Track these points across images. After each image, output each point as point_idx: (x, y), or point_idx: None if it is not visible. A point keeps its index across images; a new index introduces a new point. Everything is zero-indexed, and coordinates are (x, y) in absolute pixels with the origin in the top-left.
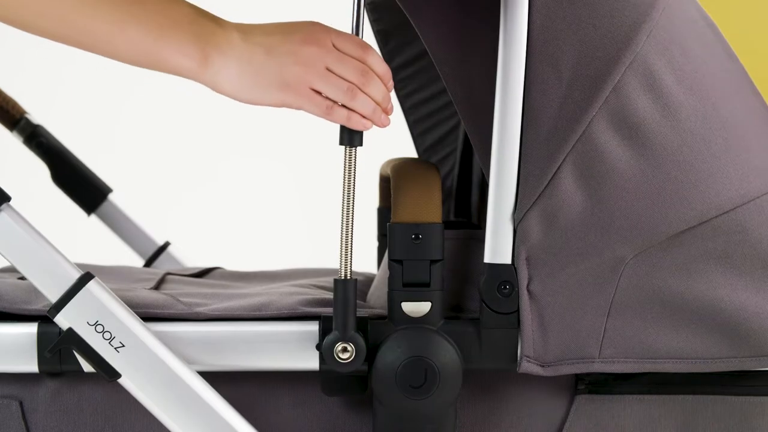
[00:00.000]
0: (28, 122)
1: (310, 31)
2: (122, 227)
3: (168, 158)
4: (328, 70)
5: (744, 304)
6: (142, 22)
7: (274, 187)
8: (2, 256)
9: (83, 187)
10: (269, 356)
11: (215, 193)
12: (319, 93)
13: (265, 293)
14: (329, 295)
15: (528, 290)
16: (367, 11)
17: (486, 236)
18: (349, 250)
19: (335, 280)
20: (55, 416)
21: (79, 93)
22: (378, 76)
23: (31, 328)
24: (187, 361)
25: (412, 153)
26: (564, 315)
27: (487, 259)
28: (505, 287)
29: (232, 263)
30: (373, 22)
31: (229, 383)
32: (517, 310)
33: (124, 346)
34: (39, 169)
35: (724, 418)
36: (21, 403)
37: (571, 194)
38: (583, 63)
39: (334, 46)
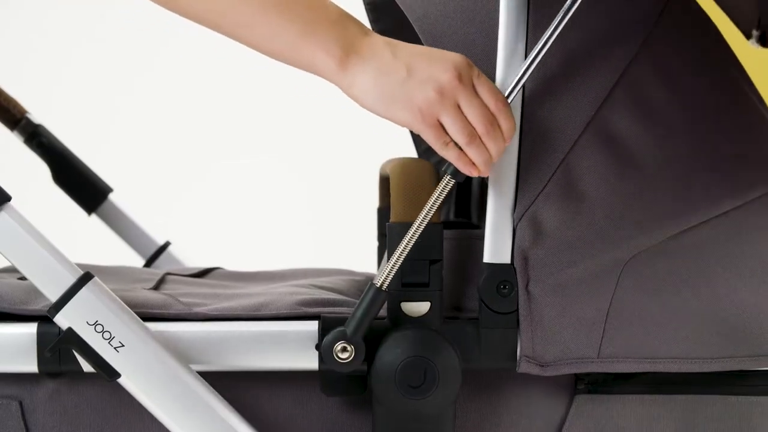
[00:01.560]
0: (29, 122)
1: (456, 63)
2: (123, 227)
3: (168, 158)
4: (459, 107)
5: (743, 304)
6: (288, 14)
7: (274, 187)
8: (2, 255)
9: (84, 187)
10: (269, 356)
11: (215, 193)
12: (442, 125)
13: (264, 293)
14: (329, 295)
15: (527, 290)
16: (366, 11)
17: (485, 236)
18: (397, 266)
19: (372, 284)
20: (55, 416)
21: (80, 93)
22: (502, 131)
23: (31, 329)
24: (187, 360)
25: (411, 153)
26: (563, 315)
27: (486, 258)
28: (504, 287)
29: (232, 263)
30: (373, 23)
31: (228, 383)
32: (517, 310)
33: (123, 345)
34: (40, 168)
35: (723, 417)
36: (21, 403)
37: (571, 194)
38: (582, 64)
39: (473, 86)
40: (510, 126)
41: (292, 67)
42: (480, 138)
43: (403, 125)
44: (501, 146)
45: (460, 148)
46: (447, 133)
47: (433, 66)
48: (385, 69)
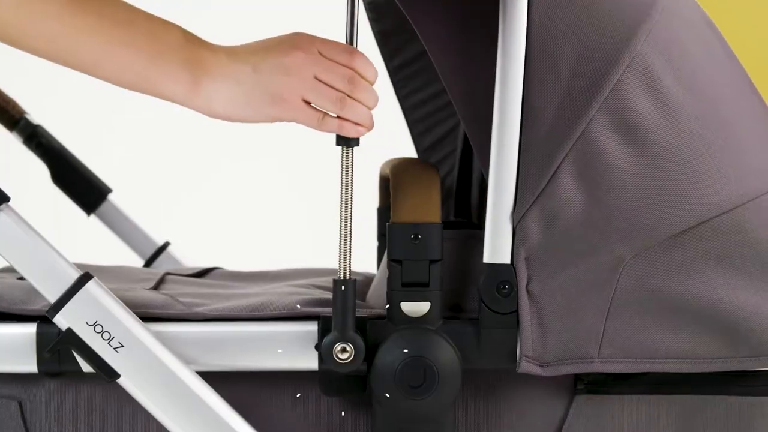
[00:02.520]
0: (28, 122)
1: (295, 41)
2: (122, 227)
3: (168, 158)
4: (317, 79)
5: (743, 305)
6: (132, 46)
7: (273, 187)
8: (1, 256)
9: (83, 188)
10: (268, 356)
11: (215, 194)
12: (309, 104)
13: (264, 293)
14: (328, 295)
15: (527, 290)
16: (366, 11)
17: (485, 236)
18: (348, 250)
19: (334, 281)
20: (54, 416)
21: (79, 93)
22: (367, 80)
23: (30, 329)
24: (186, 361)
25: (411, 153)
26: (563, 315)
27: (486, 259)
28: (504, 287)
29: (231, 263)
30: (373, 22)
31: (228, 383)
32: (517, 310)
33: (123, 346)
34: (39, 169)
35: (723, 418)
36: (20, 403)
37: (571, 194)
38: (583, 62)
39: (320, 53)
40: (372, 72)
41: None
42: (351, 97)
43: (275, 121)
44: (372, 93)
45: (338, 117)
46: (317, 110)
47: (273, 53)
48: (234, 77)
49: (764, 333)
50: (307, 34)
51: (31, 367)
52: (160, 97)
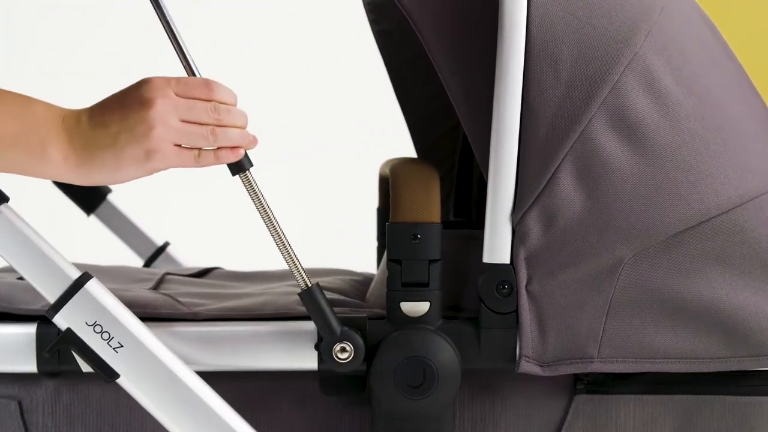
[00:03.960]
0: None
1: (150, 90)
2: (121, 228)
3: None
4: (183, 121)
5: (743, 304)
6: None
7: (273, 187)
8: (1, 256)
9: (82, 188)
10: (268, 356)
11: (214, 194)
12: (180, 146)
13: (263, 293)
14: (328, 295)
15: (527, 290)
16: (366, 12)
17: (485, 236)
18: (297, 261)
19: (300, 294)
20: (54, 416)
21: (78, 93)
22: (225, 102)
23: (30, 329)
24: (186, 361)
25: (411, 153)
26: (563, 315)
27: (485, 259)
28: (503, 287)
29: (231, 263)
30: (373, 23)
31: (227, 383)
32: (516, 310)
33: (122, 346)
34: None
35: (722, 417)
36: (20, 403)
37: (570, 194)
38: (582, 63)
39: (177, 95)
40: (229, 95)
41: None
42: (219, 126)
43: (158, 171)
44: (238, 114)
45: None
46: (191, 149)
47: (132, 110)
48: (101, 144)
49: (763, 333)
50: (158, 79)
51: (30, 367)
52: (33, 176)
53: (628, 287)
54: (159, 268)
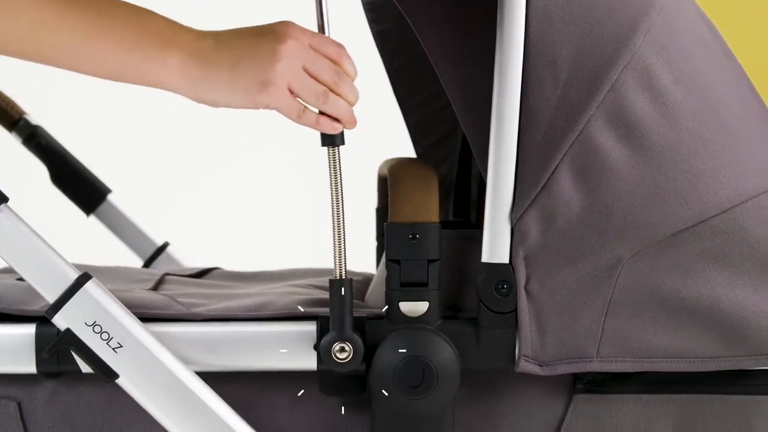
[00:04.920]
0: (27, 123)
1: (286, 29)
2: (121, 228)
3: (167, 159)
4: (305, 70)
5: (742, 304)
6: (113, 33)
7: (272, 187)
8: (0, 257)
9: (82, 188)
10: (267, 356)
11: (214, 194)
12: (293, 93)
13: (263, 293)
14: (327, 296)
15: (526, 290)
16: (366, 12)
17: (484, 236)
18: (343, 250)
19: (330, 281)
20: (53, 417)
21: (78, 93)
22: (350, 77)
23: (29, 329)
24: (185, 361)
25: (410, 153)
26: (562, 314)
27: (484, 258)
28: (502, 287)
29: (230, 264)
30: (372, 22)
31: (227, 383)
32: (515, 310)
33: (122, 346)
34: (38, 169)
35: (721, 417)
36: (19, 404)
37: (569, 194)
38: (580, 62)
39: (310, 45)
40: (354, 67)
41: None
42: (333, 91)
43: (260, 107)
44: (355, 90)
45: (319, 113)
46: (297, 102)
47: (265, 40)
48: (222, 62)
49: (762, 332)
50: (297, 24)
51: (30, 367)
52: (145, 84)
53: (627, 287)
54: (159, 268)
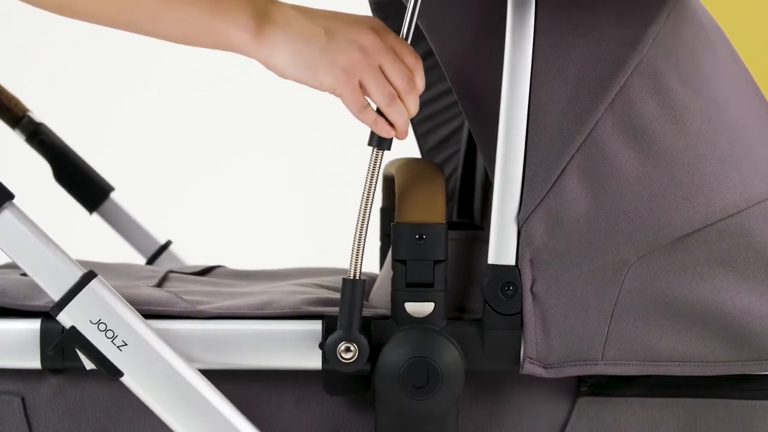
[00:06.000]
0: (31, 120)
1: (373, 25)
2: (124, 226)
3: (170, 157)
4: (380, 68)
5: (747, 308)
6: None
7: (276, 185)
8: (5, 253)
9: (85, 186)
10: (272, 355)
11: (217, 192)
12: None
13: (267, 292)
14: (332, 295)
15: (531, 292)
16: (372, 11)
17: (490, 237)
18: (361, 250)
19: (344, 279)
20: (57, 413)
21: (81, 91)
22: (417, 91)
23: (34, 325)
24: (190, 359)
25: (415, 153)
26: (567, 317)
27: (490, 260)
28: (508, 288)
29: (234, 262)
30: None
31: (231, 382)
32: (521, 312)
33: (126, 344)
34: (41, 167)
35: (726, 421)
36: (23, 399)
37: (576, 196)
38: (589, 65)
39: (391, 46)
40: (423, 80)
41: (208, 49)
42: (401, 97)
43: (325, 90)
44: (417, 102)
45: (378, 113)
46: (364, 97)
47: (352, 28)
48: (303, 35)
49: (767, 337)
50: (383, 24)
51: (34, 363)
52: (223, 47)
53: (632, 290)
54: (161, 266)
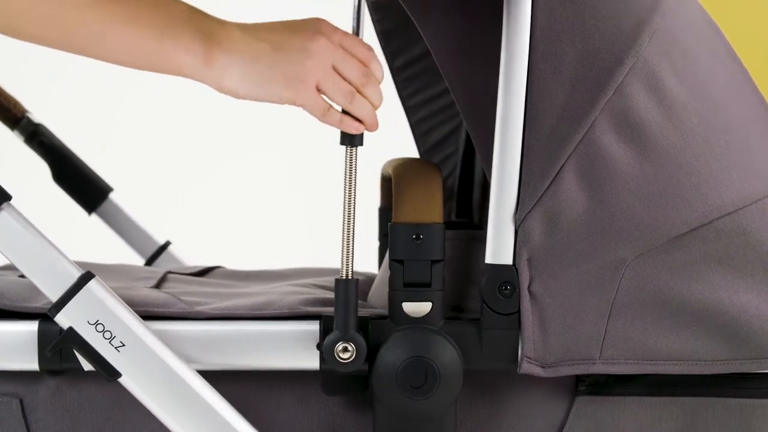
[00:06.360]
0: (30, 121)
1: (319, 26)
2: (123, 226)
3: (168, 157)
4: (334, 68)
5: (745, 307)
6: (140, 21)
7: (274, 186)
8: (3, 254)
9: (84, 187)
10: (270, 355)
11: (216, 192)
12: (319, 91)
13: (265, 292)
14: (330, 295)
15: (529, 291)
16: (370, 11)
17: (487, 237)
18: (351, 249)
19: (336, 280)
20: (56, 414)
21: (80, 92)
22: (377, 80)
23: (32, 326)
24: (188, 360)
25: (413, 153)
26: (565, 316)
27: (488, 259)
28: (506, 288)
29: (232, 262)
30: (376, 23)
31: (229, 382)
32: (518, 311)
33: (124, 345)
34: (40, 168)
35: (724, 420)
36: (21, 401)
37: (573, 195)
38: (586, 64)
39: (341, 44)
40: (381, 70)
41: (159, 74)
42: (360, 91)
43: (285, 103)
44: (380, 93)
45: (343, 112)
46: (325, 100)
47: (297, 36)
48: (250, 53)
49: (765, 335)
50: (329, 22)
51: (32, 365)
52: (173, 72)
53: (630, 289)
54: (160, 267)
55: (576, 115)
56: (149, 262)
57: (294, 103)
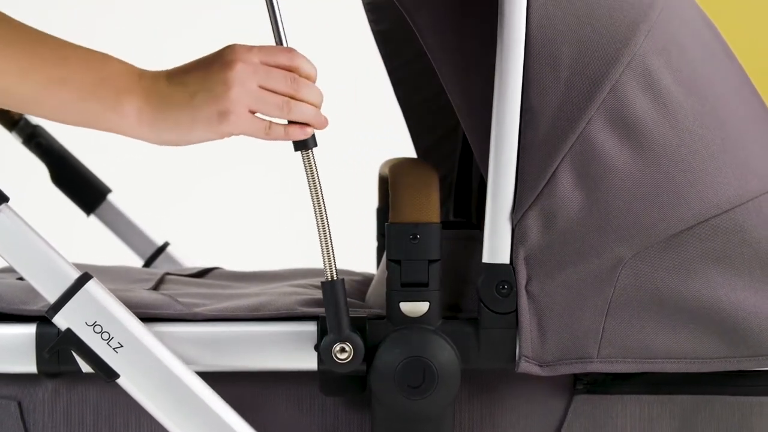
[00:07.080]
0: (28, 123)
1: (232, 54)
2: (121, 228)
3: (167, 159)
4: (261, 87)
5: (742, 304)
6: (69, 83)
7: (273, 186)
8: (1, 256)
9: (82, 188)
10: (268, 356)
11: (214, 194)
12: (254, 113)
13: (263, 293)
14: None
15: (526, 290)
16: (366, 12)
17: (484, 236)
18: (331, 250)
19: (322, 283)
20: (54, 417)
21: None
22: (309, 78)
23: (30, 329)
24: (186, 361)
25: (411, 153)
26: (562, 315)
27: (485, 259)
28: (503, 287)
29: (230, 263)
30: (372, 23)
31: (227, 383)
32: (516, 310)
33: (122, 346)
34: (38, 169)
35: (722, 418)
36: (19, 404)
37: (570, 194)
38: (581, 63)
39: (260, 62)
40: (311, 67)
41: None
42: (295, 98)
43: (228, 136)
44: (315, 90)
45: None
46: (263, 119)
47: (213, 71)
48: (178, 102)
49: (763, 333)
50: (242, 45)
51: (30, 367)
52: (106, 130)
53: (627, 287)
54: (159, 268)
55: (572, 114)
56: (148, 263)
57: (234, 135)
